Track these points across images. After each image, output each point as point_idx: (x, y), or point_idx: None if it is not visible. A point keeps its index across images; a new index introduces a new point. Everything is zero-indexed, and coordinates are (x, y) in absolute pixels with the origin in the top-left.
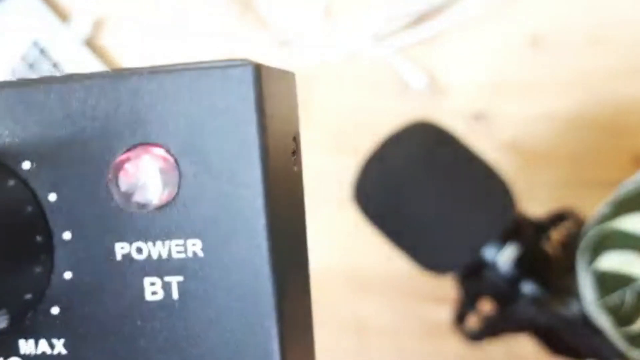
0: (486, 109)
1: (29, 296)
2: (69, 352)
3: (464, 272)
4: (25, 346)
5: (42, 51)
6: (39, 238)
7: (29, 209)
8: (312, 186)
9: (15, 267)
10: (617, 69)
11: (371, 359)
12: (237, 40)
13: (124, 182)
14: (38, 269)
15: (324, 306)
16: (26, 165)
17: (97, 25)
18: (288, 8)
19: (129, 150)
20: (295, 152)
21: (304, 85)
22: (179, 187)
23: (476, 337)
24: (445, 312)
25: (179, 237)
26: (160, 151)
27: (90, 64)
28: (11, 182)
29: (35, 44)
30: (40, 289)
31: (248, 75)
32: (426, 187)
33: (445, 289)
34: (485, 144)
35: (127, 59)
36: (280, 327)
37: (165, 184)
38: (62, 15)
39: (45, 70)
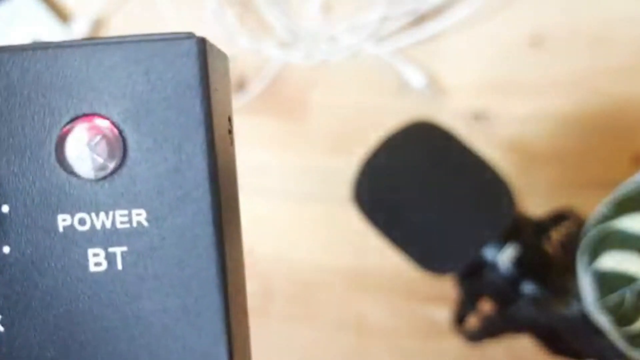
0: (486, 109)
1: None
2: (5, 329)
3: (464, 272)
4: None
5: None
6: None
7: None
8: (312, 186)
9: None
10: (617, 69)
11: (371, 359)
12: (238, 41)
13: (67, 153)
14: None
15: (324, 306)
16: None
17: (97, 25)
18: (288, 8)
19: (72, 121)
20: (231, 131)
21: (303, 85)
22: (122, 158)
23: (476, 337)
24: (445, 312)
25: (124, 208)
26: (104, 122)
27: None
28: None
29: None
30: None
31: (193, 47)
32: (426, 187)
33: (445, 289)
34: (485, 144)
35: None
36: (224, 297)
37: (108, 155)
38: (62, 15)
39: None
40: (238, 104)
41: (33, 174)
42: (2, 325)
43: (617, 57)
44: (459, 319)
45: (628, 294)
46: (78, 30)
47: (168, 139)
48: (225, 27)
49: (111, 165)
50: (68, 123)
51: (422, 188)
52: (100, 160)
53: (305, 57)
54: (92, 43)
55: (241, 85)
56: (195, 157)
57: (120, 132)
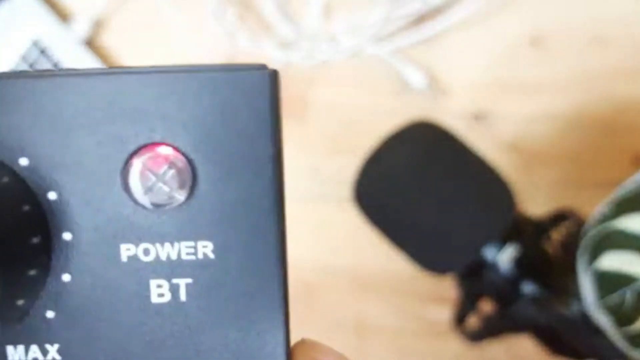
0: (486, 109)
1: (21, 302)
2: (63, 358)
3: (464, 272)
4: (14, 353)
5: (42, 51)
6: (35, 239)
7: (26, 208)
8: (312, 186)
9: (6, 272)
10: (617, 69)
11: (371, 359)
12: (238, 41)
13: (134, 182)
14: (32, 272)
15: (324, 306)
16: (24, 161)
17: (97, 25)
18: (288, 8)
19: (141, 149)
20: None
21: (304, 85)
22: (191, 189)
23: (476, 337)
24: (445, 312)
25: (190, 239)
26: (174, 152)
27: (90, 64)
28: (5, 179)
29: (35, 44)
30: (35, 292)
31: (266, 79)
32: (426, 187)
33: (445, 289)
34: (485, 144)
35: (127, 59)
36: (286, 334)
37: (177, 185)
38: (62, 15)
39: None
40: None
41: (98, 202)
42: (60, 354)
43: (617, 57)
44: (459, 319)
45: (628, 294)
46: (78, 30)
47: (238, 170)
48: (226, 26)
49: (179, 196)
50: (137, 151)
51: (422, 188)
52: (169, 190)
53: (306, 57)
54: (165, 70)
55: None
56: (264, 190)
57: (190, 162)
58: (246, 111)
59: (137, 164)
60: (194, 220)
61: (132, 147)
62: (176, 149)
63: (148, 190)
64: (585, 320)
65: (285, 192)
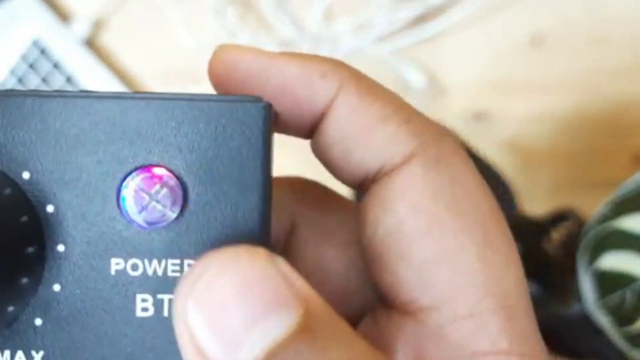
0: (486, 109)
1: (11, 308)
2: None
3: None
4: (1, 358)
5: (42, 51)
6: (30, 249)
7: (24, 219)
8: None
9: (1, 279)
10: (618, 69)
11: None
12: (238, 41)
13: (129, 201)
14: (25, 280)
15: None
16: (26, 175)
17: (97, 25)
18: (289, 8)
19: (137, 169)
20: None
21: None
22: (182, 209)
23: None
24: None
25: (176, 257)
26: (167, 173)
27: (90, 64)
28: (7, 191)
29: (35, 44)
30: (25, 300)
31: (260, 111)
32: None
33: None
34: (485, 144)
35: (127, 59)
36: None
37: (169, 205)
38: (62, 15)
39: (45, 70)
40: None
41: (93, 217)
42: None
43: (617, 57)
44: None
45: (628, 294)
46: (78, 30)
47: (227, 194)
48: (226, 26)
49: (170, 215)
50: (133, 171)
51: None
52: (161, 209)
53: None
54: (165, 97)
55: None
56: (251, 214)
57: (182, 184)
58: (239, 139)
59: (132, 183)
60: (182, 240)
61: (129, 167)
62: (170, 170)
63: (142, 208)
64: (585, 320)
65: (271, 217)
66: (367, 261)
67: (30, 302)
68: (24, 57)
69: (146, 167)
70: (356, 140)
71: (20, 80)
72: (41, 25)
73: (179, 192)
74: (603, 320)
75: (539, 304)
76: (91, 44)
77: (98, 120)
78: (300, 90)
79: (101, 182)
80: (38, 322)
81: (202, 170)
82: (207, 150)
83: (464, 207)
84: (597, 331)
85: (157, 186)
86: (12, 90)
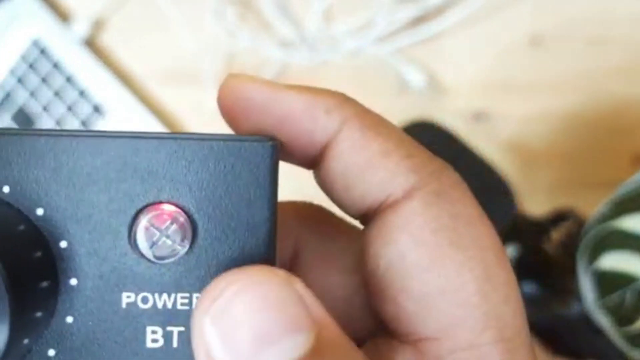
0: (486, 109)
1: (26, 341)
2: None
3: None
4: None
5: (42, 51)
6: (44, 283)
7: (38, 254)
8: (312, 186)
9: (17, 313)
10: (617, 69)
11: None
12: (238, 41)
13: (140, 237)
14: (39, 314)
15: None
16: (40, 211)
17: (97, 25)
18: (289, 8)
19: (148, 206)
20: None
21: (304, 85)
22: (190, 245)
23: None
24: None
25: (186, 291)
26: (178, 210)
27: (90, 64)
28: (21, 227)
29: (35, 43)
30: (39, 332)
31: (268, 151)
32: None
33: None
34: (485, 144)
35: (127, 59)
36: None
37: (179, 241)
38: (62, 15)
39: (45, 70)
40: None
41: (105, 252)
42: None
43: (617, 57)
44: None
45: (628, 294)
46: (78, 30)
47: (235, 231)
48: (226, 26)
49: (180, 250)
50: (144, 208)
51: None
52: (171, 244)
53: (306, 57)
54: (176, 137)
55: None
56: (257, 249)
57: (192, 220)
58: (247, 177)
59: (143, 220)
60: (191, 274)
61: (140, 204)
62: (180, 206)
63: (153, 244)
64: (585, 320)
65: (277, 252)
66: (369, 292)
67: (44, 334)
68: (23, 57)
69: (157, 204)
70: (358, 175)
71: (20, 80)
72: (41, 25)
73: (189, 228)
74: (603, 320)
75: (539, 304)
76: (91, 44)
77: (110, 159)
78: (304, 124)
79: (113, 218)
80: (51, 352)
81: (211, 207)
82: (216, 187)
83: (465, 241)
84: (597, 331)
85: (168, 222)
86: (26, 129)
